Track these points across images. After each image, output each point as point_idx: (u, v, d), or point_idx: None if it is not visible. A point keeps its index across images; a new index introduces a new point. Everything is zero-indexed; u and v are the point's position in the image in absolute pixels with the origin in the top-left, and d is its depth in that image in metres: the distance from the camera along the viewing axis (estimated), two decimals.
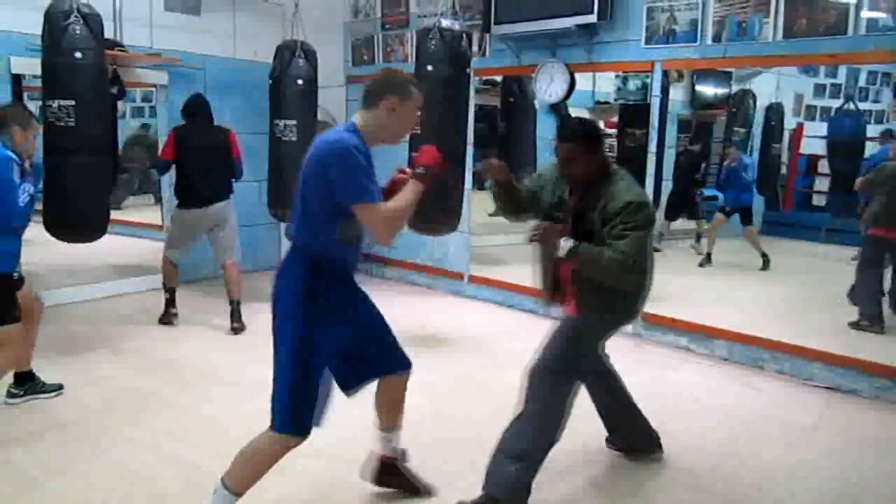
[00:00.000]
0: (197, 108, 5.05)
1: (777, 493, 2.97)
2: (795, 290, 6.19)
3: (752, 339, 4.53)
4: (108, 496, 2.76)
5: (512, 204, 2.97)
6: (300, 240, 2.36)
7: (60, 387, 3.75)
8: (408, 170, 2.45)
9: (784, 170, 8.05)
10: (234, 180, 5.08)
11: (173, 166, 4.98)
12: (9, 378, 3.57)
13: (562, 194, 2.81)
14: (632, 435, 3.20)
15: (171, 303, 5.08)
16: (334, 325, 2.35)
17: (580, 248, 2.60)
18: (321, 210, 2.28)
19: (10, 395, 3.61)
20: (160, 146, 5.26)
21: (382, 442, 2.75)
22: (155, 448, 3.20)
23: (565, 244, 2.65)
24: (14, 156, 3.23)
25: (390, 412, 2.71)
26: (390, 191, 2.41)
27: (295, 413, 2.32)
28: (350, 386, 2.49)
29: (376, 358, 2.56)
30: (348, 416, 2.63)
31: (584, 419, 3.00)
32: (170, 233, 5.16)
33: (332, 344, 2.35)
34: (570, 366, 2.72)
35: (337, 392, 2.47)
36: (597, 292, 2.66)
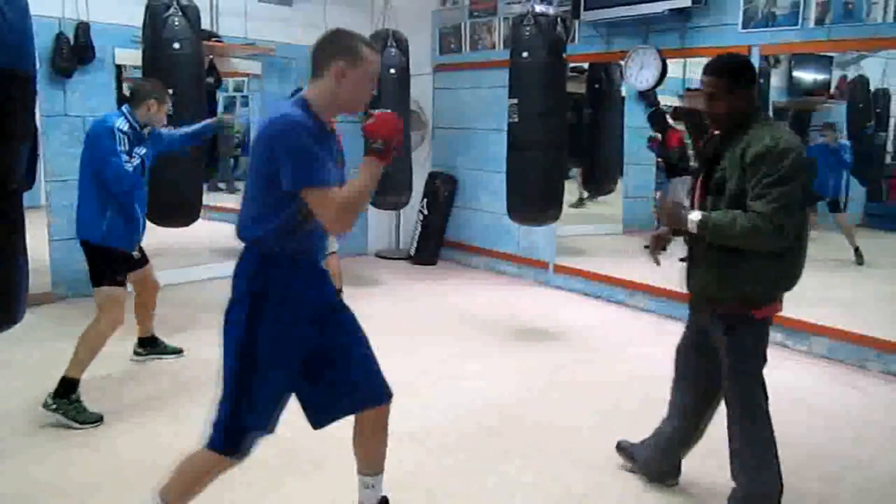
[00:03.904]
0: None
1: (879, 498, 2.84)
2: None
3: (855, 337, 4.31)
4: None
5: None
6: (248, 235, 2.08)
7: (180, 350, 4.15)
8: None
9: (889, 159, 7.63)
10: None
11: None
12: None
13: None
14: (670, 458, 2.82)
15: None
16: (288, 325, 2.06)
17: (709, 219, 2.32)
18: (270, 196, 2.00)
19: (135, 353, 4.09)
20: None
21: (365, 491, 2.32)
22: None
23: (693, 217, 2.35)
24: (128, 127, 3.38)
25: (372, 453, 2.31)
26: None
27: (231, 432, 2.06)
28: (318, 422, 2.21)
29: (349, 385, 2.20)
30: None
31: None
32: None
33: (286, 347, 2.07)
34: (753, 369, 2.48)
35: None
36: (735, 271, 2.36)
